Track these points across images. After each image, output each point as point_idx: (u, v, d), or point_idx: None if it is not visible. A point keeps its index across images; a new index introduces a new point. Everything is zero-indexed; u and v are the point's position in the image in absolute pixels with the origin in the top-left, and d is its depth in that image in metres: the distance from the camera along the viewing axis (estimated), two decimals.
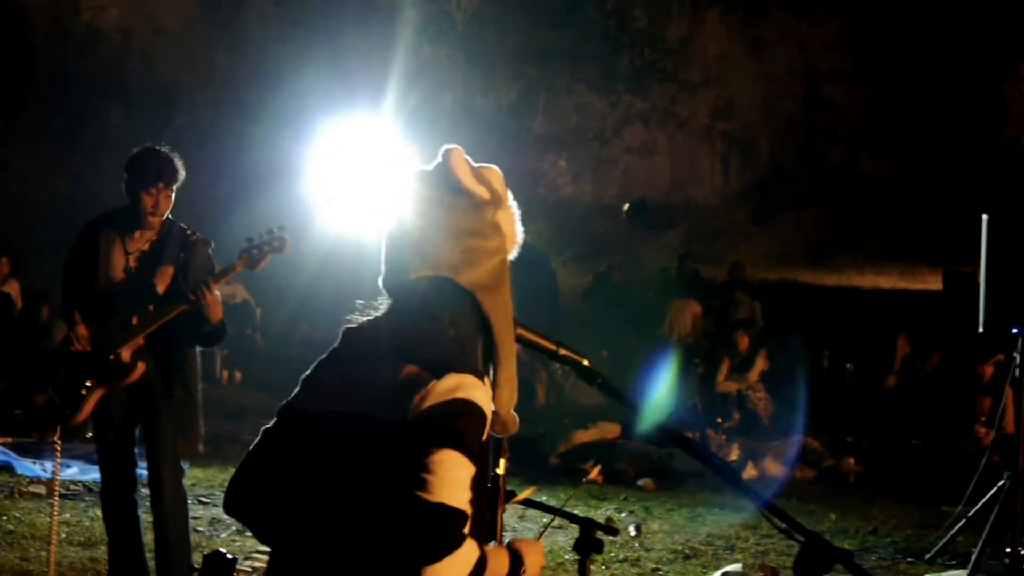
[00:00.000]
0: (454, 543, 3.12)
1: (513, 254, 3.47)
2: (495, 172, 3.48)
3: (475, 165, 3.46)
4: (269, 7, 25.71)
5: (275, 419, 3.41)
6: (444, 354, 3.24)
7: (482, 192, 3.37)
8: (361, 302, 3.46)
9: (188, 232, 7.28)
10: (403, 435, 3.14)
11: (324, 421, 3.28)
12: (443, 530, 3.11)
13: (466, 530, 3.15)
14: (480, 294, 3.31)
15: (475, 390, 3.20)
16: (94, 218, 7.42)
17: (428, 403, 3.14)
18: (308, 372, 3.41)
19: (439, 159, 3.41)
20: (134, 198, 7.16)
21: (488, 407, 3.25)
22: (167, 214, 7.30)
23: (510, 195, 3.50)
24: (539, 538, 3.64)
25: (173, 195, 7.23)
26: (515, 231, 3.46)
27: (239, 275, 7.32)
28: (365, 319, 3.41)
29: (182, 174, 7.31)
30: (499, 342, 3.34)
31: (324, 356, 3.42)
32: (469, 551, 3.15)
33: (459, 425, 3.16)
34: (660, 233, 26.86)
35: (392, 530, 3.11)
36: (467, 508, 3.14)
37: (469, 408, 3.19)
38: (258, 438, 3.43)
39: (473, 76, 27.34)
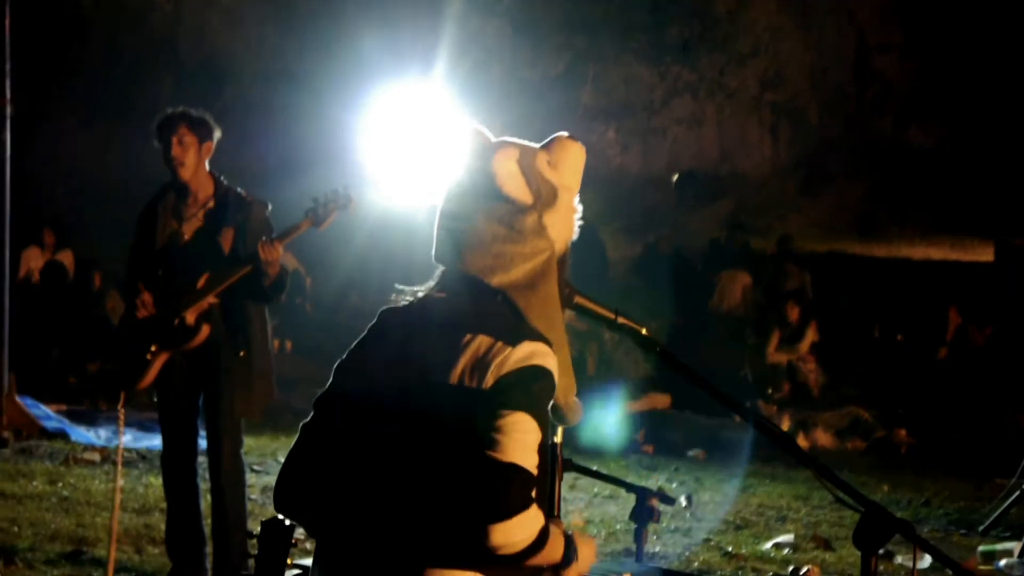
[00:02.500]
0: (525, 502, 3.13)
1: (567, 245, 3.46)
2: (570, 154, 3.45)
3: (543, 148, 3.43)
4: None
5: (313, 412, 3.39)
6: (514, 324, 3.25)
7: (525, 197, 3.34)
8: (400, 286, 3.46)
9: (244, 195, 7.32)
10: (477, 400, 3.15)
11: (376, 399, 3.28)
12: (515, 488, 3.12)
13: (534, 493, 3.17)
14: (513, 293, 3.31)
15: (548, 358, 3.23)
16: (152, 194, 7.49)
17: (506, 369, 3.16)
18: (343, 360, 3.40)
19: (486, 154, 3.40)
20: (164, 155, 7.22)
21: (557, 376, 3.26)
22: (222, 178, 7.33)
23: (577, 180, 3.47)
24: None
25: (201, 144, 7.23)
26: (570, 227, 3.43)
27: (301, 236, 7.31)
28: (407, 299, 3.41)
29: (212, 128, 7.32)
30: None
31: (361, 339, 3.41)
32: (536, 514, 3.17)
33: (533, 390, 3.19)
34: (709, 204, 26.77)
35: (461, 490, 3.13)
36: (535, 471, 3.16)
37: (543, 374, 3.21)
38: (299, 434, 3.41)
39: (521, 46, 27.27)
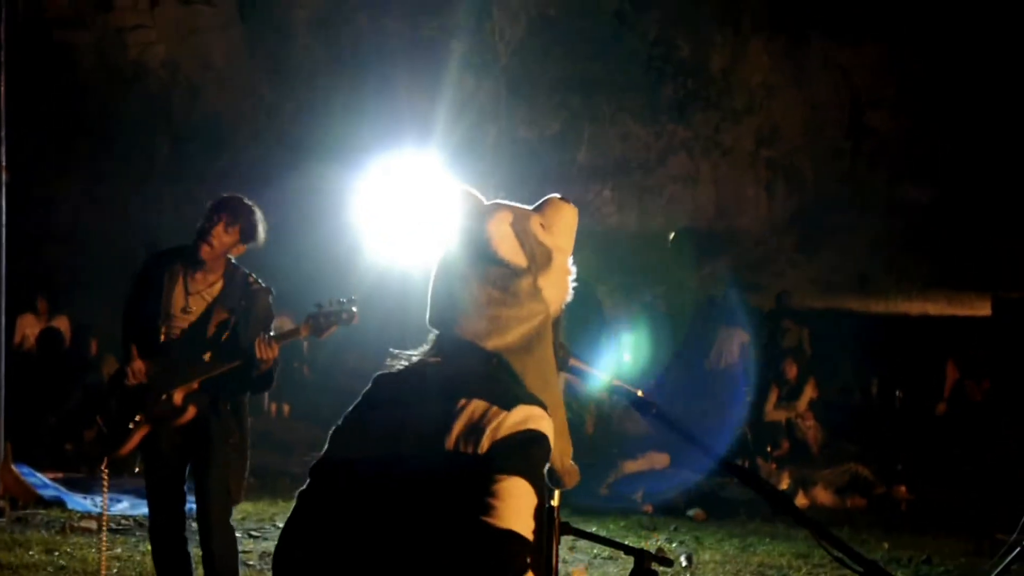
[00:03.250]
0: (521, 568, 3.11)
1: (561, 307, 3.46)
2: (562, 215, 3.46)
3: (535, 210, 3.44)
4: (314, 41, 25.83)
5: (309, 479, 3.39)
6: (509, 388, 3.24)
7: (519, 260, 3.34)
8: (394, 350, 3.45)
9: (251, 279, 7.29)
10: (473, 467, 3.13)
11: (373, 466, 3.26)
12: (511, 554, 3.10)
13: (529, 560, 3.14)
14: (508, 356, 3.31)
15: (543, 421, 3.22)
16: (159, 252, 7.46)
17: (501, 434, 3.14)
18: (338, 426, 3.39)
19: (481, 219, 3.40)
20: (204, 227, 7.19)
21: (552, 439, 3.25)
22: (232, 259, 7.31)
23: (571, 241, 3.48)
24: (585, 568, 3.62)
25: (238, 239, 7.22)
26: (564, 289, 3.44)
27: (299, 296, 7.31)
28: (401, 365, 3.40)
29: (259, 228, 7.29)
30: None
31: (357, 405, 3.40)
32: None
33: (529, 454, 3.18)
34: (706, 262, 26.78)
35: (458, 556, 3.10)
36: (531, 537, 3.14)
37: (538, 438, 3.20)
38: (296, 502, 3.40)
39: (517, 107, 27.36)
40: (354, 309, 7.16)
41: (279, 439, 15.90)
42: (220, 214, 7.18)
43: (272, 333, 7.07)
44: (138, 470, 7.41)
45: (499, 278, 3.32)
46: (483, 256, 3.34)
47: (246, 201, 7.32)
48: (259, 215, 7.32)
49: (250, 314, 7.15)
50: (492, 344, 3.30)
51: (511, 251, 3.34)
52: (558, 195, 3.52)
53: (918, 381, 17.76)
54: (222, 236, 7.15)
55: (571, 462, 3.47)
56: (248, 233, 7.24)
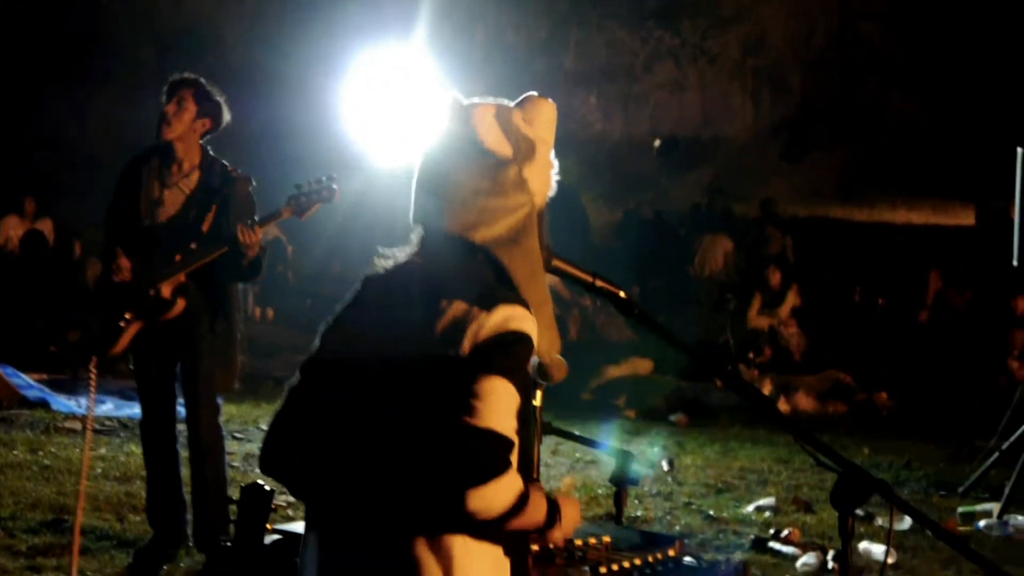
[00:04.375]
0: (501, 467, 3.12)
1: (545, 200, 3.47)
2: (542, 110, 3.47)
3: (516, 106, 3.45)
4: None
5: (299, 375, 3.40)
6: (490, 288, 3.25)
7: (505, 150, 3.36)
8: (382, 248, 3.46)
9: (229, 169, 7.28)
10: (455, 368, 3.15)
11: (360, 366, 3.28)
12: (491, 454, 3.11)
13: (512, 458, 3.16)
14: (496, 248, 3.31)
15: (525, 321, 3.22)
16: (136, 154, 7.43)
17: (483, 335, 3.15)
18: (328, 323, 3.41)
19: (464, 112, 3.40)
20: (160, 114, 7.18)
21: (536, 338, 3.26)
22: (209, 149, 7.29)
23: (551, 135, 3.48)
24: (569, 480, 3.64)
25: (199, 115, 7.19)
26: (548, 181, 3.45)
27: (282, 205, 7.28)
28: (388, 264, 3.41)
29: (219, 108, 7.26)
30: (523, 293, 3.34)
31: (345, 304, 3.42)
32: (514, 479, 3.15)
33: (510, 355, 3.18)
34: (691, 169, 26.75)
35: (439, 457, 3.12)
36: (513, 436, 3.15)
37: (520, 338, 3.20)
38: (284, 397, 3.41)
39: (504, 11, 27.20)
40: (334, 186, 7.15)
41: (263, 342, 15.94)
42: (171, 95, 7.16)
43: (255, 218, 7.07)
44: (130, 368, 7.42)
45: (486, 168, 3.33)
46: (470, 147, 3.35)
47: (192, 77, 7.28)
48: (211, 88, 7.28)
49: (230, 201, 7.13)
50: (480, 236, 3.30)
51: (497, 141, 3.35)
52: (535, 93, 3.53)
53: (901, 289, 17.83)
54: (176, 110, 7.12)
55: (558, 356, 3.48)
56: (202, 99, 7.20)
